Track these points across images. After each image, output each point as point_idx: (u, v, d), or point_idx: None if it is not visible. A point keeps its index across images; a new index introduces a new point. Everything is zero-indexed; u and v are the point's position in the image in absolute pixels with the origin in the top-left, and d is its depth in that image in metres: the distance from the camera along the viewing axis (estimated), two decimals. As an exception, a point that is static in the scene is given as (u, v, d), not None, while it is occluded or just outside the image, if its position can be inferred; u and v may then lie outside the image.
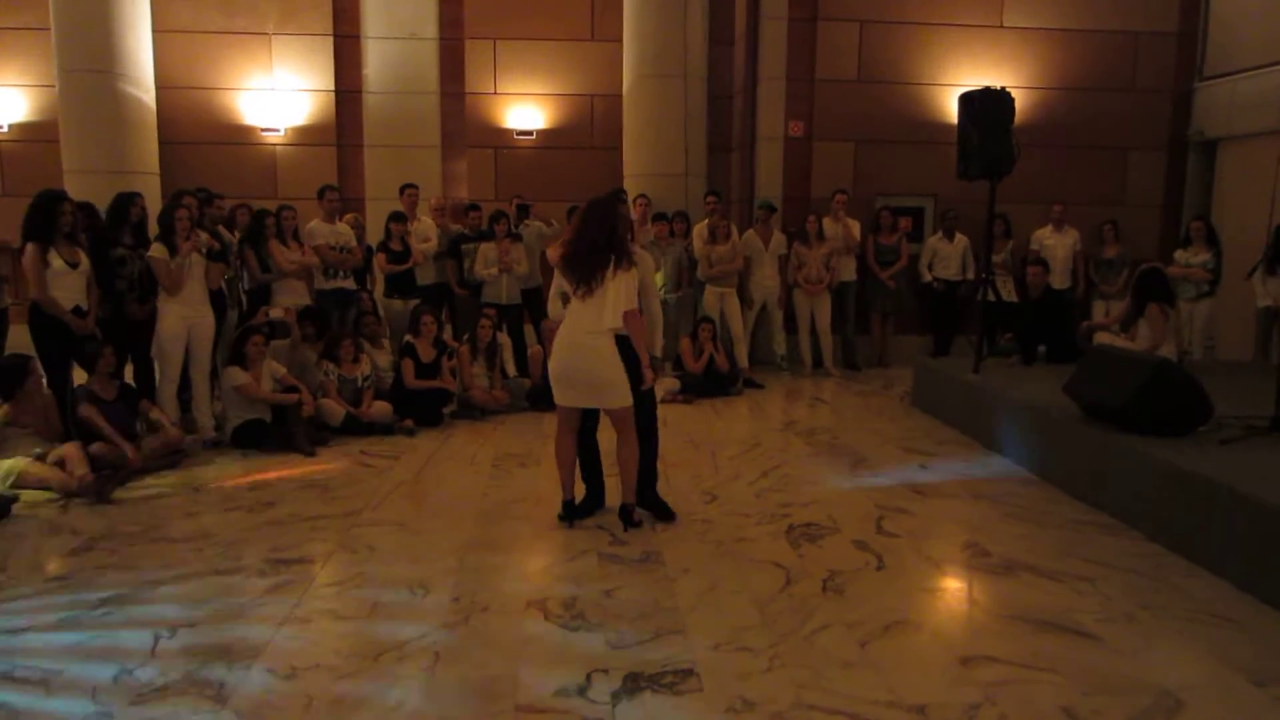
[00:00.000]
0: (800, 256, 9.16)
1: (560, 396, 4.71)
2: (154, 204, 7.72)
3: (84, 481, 5.18)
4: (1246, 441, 4.86)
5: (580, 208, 4.74)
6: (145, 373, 6.49)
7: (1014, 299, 8.83)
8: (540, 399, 7.67)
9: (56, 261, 5.84)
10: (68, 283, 5.90)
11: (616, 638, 3.52)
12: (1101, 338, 7.00)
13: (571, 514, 4.84)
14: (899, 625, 3.65)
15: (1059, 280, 9.16)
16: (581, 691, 3.13)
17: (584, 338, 4.52)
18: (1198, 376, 5.27)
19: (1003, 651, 3.41)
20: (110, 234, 6.32)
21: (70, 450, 5.36)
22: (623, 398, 4.60)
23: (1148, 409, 5.00)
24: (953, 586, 4.17)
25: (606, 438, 4.92)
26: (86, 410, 5.60)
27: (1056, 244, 9.40)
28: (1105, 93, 10.06)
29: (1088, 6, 9.98)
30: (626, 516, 4.76)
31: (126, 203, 6.40)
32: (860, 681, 3.19)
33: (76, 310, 5.92)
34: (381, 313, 7.93)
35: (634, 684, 3.17)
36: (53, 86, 9.33)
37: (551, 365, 4.71)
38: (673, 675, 3.23)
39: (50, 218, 5.83)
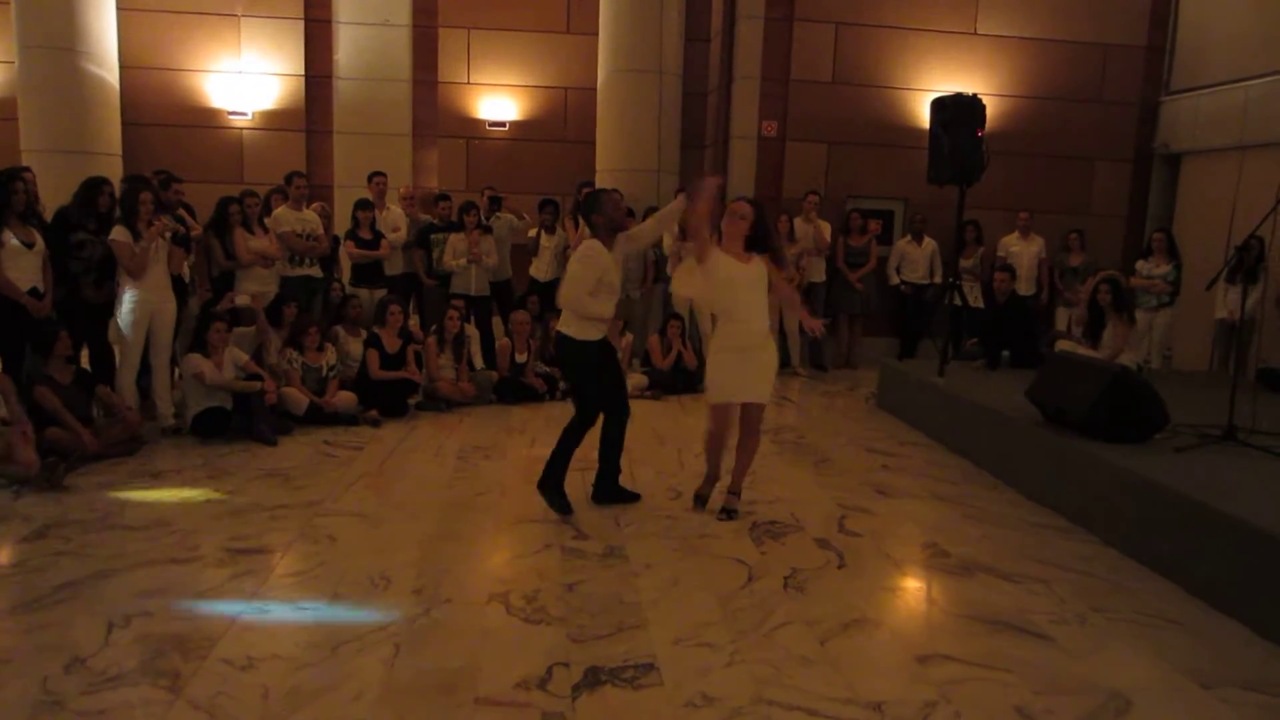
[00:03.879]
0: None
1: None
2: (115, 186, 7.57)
3: (30, 468, 5.06)
4: (1201, 449, 4.96)
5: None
6: (102, 357, 6.37)
7: (980, 304, 8.94)
8: (507, 392, 7.64)
9: (11, 241, 5.71)
10: (23, 263, 5.77)
11: (578, 631, 3.52)
12: (1063, 344, 7.11)
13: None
14: (858, 623, 3.69)
15: (1024, 287, 9.28)
16: (542, 684, 3.13)
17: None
18: (1155, 385, 5.37)
19: (959, 651, 3.46)
20: (76, 219, 6.17)
21: (13, 437, 5.23)
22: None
23: (1106, 416, 5.09)
24: (912, 586, 4.22)
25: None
26: (41, 394, 5.48)
27: (1022, 251, 9.52)
28: (1074, 103, 10.20)
29: (1060, 17, 10.11)
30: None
31: (94, 191, 6.23)
32: (819, 678, 3.22)
33: (33, 292, 5.80)
34: (358, 299, 7.83)
35: (594, 678, 3.18)
36: (12, 63, 9.13)
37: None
38: (633, 670, 3.24)
39: (3, 196, 5.69)
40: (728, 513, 4.87)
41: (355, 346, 7.25)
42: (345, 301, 7.51)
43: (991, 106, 7.57)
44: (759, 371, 4.78)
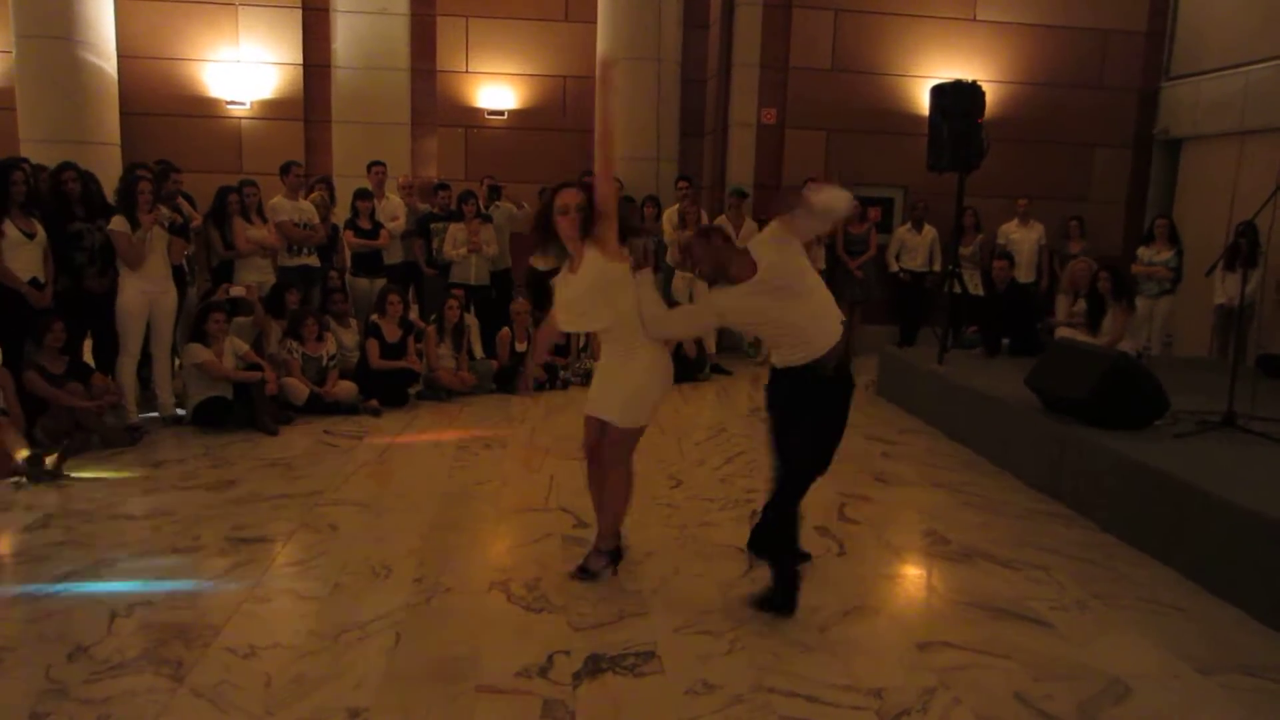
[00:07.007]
0: (771, 243, 9.15)
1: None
2: (115, 176, 7.55)
3: (25, 461, 5.05)
4: (1200, 436, 4.97)
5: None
6: (105, 347, 6.35)
7: (979, 292, 8.93)
8: (507, 381, 7.64)
9: (12, 232, 5.68)
10: (24, 254, 5.75)
11: (579, 619, 3.54)
12: (1063, 332, 7.11)
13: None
14: (858, 610, 3.70)
15: (1024, 274, 9.25)
16: (543, 672, 3.14)
17: None
18: (1155, 371, 5.37)
19: (958, 637, 3.47)
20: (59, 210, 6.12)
21: (4, 432, 5.22)
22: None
23: (1106, 402, 5.09)
24: (911, 573, 4.23)
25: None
26: (31, 379, 5.47)
27: (1022, 238, 9.50)
28: (1074, 89, 10.17)
29: (1059, 2, 10.07)
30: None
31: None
32: (819, 665, 3.23)
33: (34, 282, 5.79)
34: (348, 291, 7.85)
35: (595, 665, 3.19)
36: (9, 52, 9.09)
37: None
38: (634, 657, 3.25)
39: (2, 187, 5.68)
40: (583, 571, 3.90)
41: (346, 337, 7.25)
42: (328, 296, 7.49)
43: (991, 93, 7.55)
44: (603, 382, 3.87)
